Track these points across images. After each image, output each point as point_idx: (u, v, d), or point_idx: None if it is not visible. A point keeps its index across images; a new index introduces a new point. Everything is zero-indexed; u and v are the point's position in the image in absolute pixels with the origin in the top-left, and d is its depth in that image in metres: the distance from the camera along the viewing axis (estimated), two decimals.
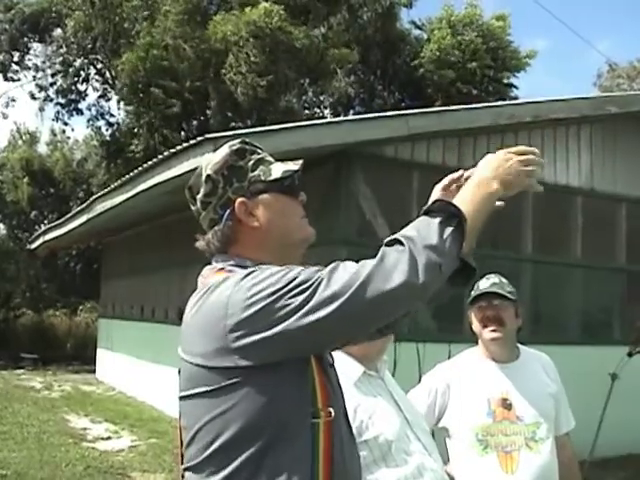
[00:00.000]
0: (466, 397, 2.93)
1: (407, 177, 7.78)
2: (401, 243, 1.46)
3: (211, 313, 1.52)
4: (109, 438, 8.95)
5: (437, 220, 1.50)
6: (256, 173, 1.71)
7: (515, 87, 23.03)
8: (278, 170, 1.73)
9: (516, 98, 21.27)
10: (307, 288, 1.44)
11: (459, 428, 2.92)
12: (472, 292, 3.05)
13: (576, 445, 3.20)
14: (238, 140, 1.78)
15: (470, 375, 2.99)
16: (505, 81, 22.61)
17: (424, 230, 1.49)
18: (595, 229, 8.96)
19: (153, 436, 8.97)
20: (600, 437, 6.88)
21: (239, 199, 1.68)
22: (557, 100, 8.71)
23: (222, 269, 1.62)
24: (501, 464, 2.81)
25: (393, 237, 1.50)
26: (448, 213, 1.51)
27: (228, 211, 1.68)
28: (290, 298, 1.44)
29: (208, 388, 1.52)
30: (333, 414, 1.55)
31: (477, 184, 1.62)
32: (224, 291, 1.52)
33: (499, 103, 10.57)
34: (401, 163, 7.85)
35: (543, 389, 2.98)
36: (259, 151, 1.77)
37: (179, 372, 1.66)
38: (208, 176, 1.71)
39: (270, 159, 1.78)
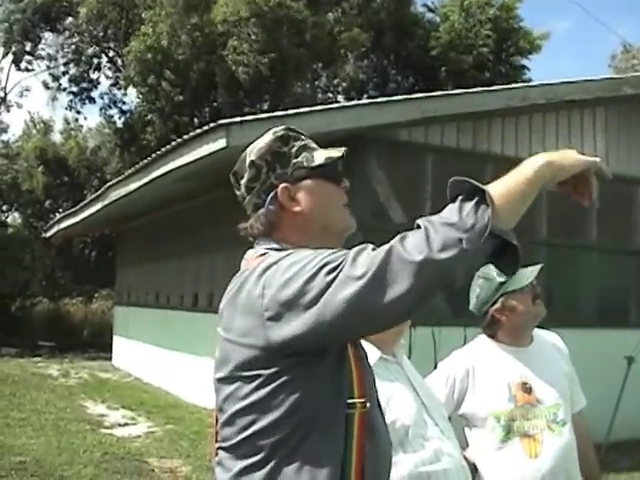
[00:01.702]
0: (486, 383, 2.90)
1: (421, 161, 7.74)
2: (419, 226, 1.45)
3: (250, 294, 1.54)
4: (126, 424, 9.00)
5: (458, 199, 1.47)
6: (299, 159, 1.74)
7: (528, 69, 22.93)
8: (320, 156, 1.75)
9: (529, 80, 21.12)
10: (334, 268, 1.44)
11: (480, 415, 2.88)
12: (500, 279, 2.92)
13: (592, 428, 3.18)
14: (282, 127, 1.81)
15: (488, 361, 2.96)
16: (518, 63, 22.47)
17: (445, 212, 1.47)
18: (610, 212, 8.89)
19: (170, 422, 9.00)
20: (616, 420, 6.87)
21: (282, 184, 1.71)
22: (571, 82, 8.62)
23: (263, 254, 1.64)
24: (524, 448, 2.79)
25: (415, 223, 1.49)
26: (468, 190, 1.47)
27: (271, 196, 1.71)
28: (319, 279, 1.44)
29: (247, 373, 1.52)
30: (368, 406, 1.56)
31: (525, 162, 1.56)
32: (260, 275, 1.54)
33: (513, 85, 10.44)
34: (415, 147, 7.81)
35: (558, 370, 2.96)
36: (303, 137, 1.80)
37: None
38: (252, 162, 1.75)
39: (314, 146, 1.79)
